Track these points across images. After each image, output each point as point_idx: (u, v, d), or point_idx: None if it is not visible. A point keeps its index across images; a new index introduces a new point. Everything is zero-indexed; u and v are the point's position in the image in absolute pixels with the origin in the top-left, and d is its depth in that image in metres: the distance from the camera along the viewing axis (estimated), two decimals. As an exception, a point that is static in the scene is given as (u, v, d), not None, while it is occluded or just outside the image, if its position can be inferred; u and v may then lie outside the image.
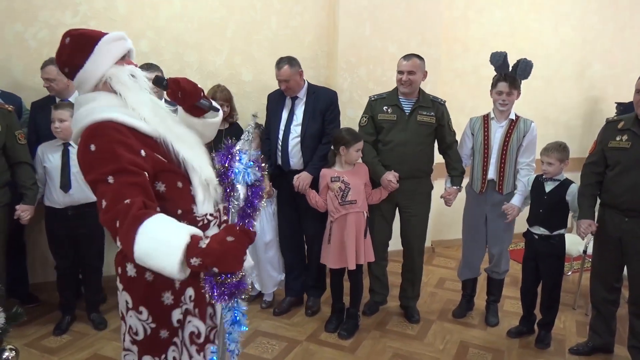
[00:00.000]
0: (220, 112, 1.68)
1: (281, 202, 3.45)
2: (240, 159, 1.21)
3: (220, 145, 1.28)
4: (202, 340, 1.55)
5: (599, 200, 2.89)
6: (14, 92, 3.29)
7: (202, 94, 1.59)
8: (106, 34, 1.51)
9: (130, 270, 1.48)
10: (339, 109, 3.35)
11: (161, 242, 1.18)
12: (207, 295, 1.46)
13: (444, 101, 3.29)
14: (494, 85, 3.13)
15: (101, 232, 3.09)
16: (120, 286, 1.52)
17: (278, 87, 3.31)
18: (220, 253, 1.15)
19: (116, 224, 1.23)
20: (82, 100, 1.47)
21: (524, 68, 3.07)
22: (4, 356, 1.53)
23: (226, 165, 1.22)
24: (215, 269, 1.17)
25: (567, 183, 2.96)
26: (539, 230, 3.00)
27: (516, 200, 3.10)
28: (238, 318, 1.24)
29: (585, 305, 3.61)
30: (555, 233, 2.97)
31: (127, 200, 1.25)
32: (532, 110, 4.82)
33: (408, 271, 3.40)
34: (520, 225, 3.27)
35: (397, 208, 3.31)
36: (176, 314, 1.51)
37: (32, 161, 2.91)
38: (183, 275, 1.19)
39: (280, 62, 3.19)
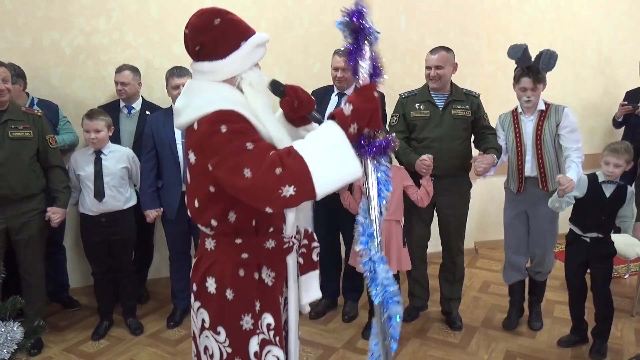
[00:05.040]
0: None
1: (317, 201, 3.35)
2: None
3: None
4: None
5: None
6: (51, 100, 3.34)
7: (314, 105, 1.51)
8: (253, 31, 1.46)
9: (211, 286, 1.40)
10: (386, 112, 3.21)
11: (326, 150, 1.23)
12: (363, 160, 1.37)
13: (478, 94, 3.16)
14: (516, 80, 2.92)
15: (133, 238, 3.09)
16: (196, 304, 1.44)
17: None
18: (373, 108, 1.27)
19: (276, 172, 1.18)
20: (204, 88, 1.40)
21: (547, 61, 2.80)
22: None
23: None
24: (367, 129, 1.28)
25: (623, 186, 2.72)
26: (593, 235, 2.78)
27: (573, 174, 2.65)
28: (385, 178, 1.34)
29: (645, 311, 3.35)
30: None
31: (272, 152, 1.24)
32: (579, 100, 4.53)
33: (446, 271, 3.25)
34: (564, 225, 3.03)
35: (435, 208, 3.16)
36: (253, 344, 1.41)
37: (64, 165, 2.93)
38: (361, 168, 1.27)
39: (342, 52, 3.11)
